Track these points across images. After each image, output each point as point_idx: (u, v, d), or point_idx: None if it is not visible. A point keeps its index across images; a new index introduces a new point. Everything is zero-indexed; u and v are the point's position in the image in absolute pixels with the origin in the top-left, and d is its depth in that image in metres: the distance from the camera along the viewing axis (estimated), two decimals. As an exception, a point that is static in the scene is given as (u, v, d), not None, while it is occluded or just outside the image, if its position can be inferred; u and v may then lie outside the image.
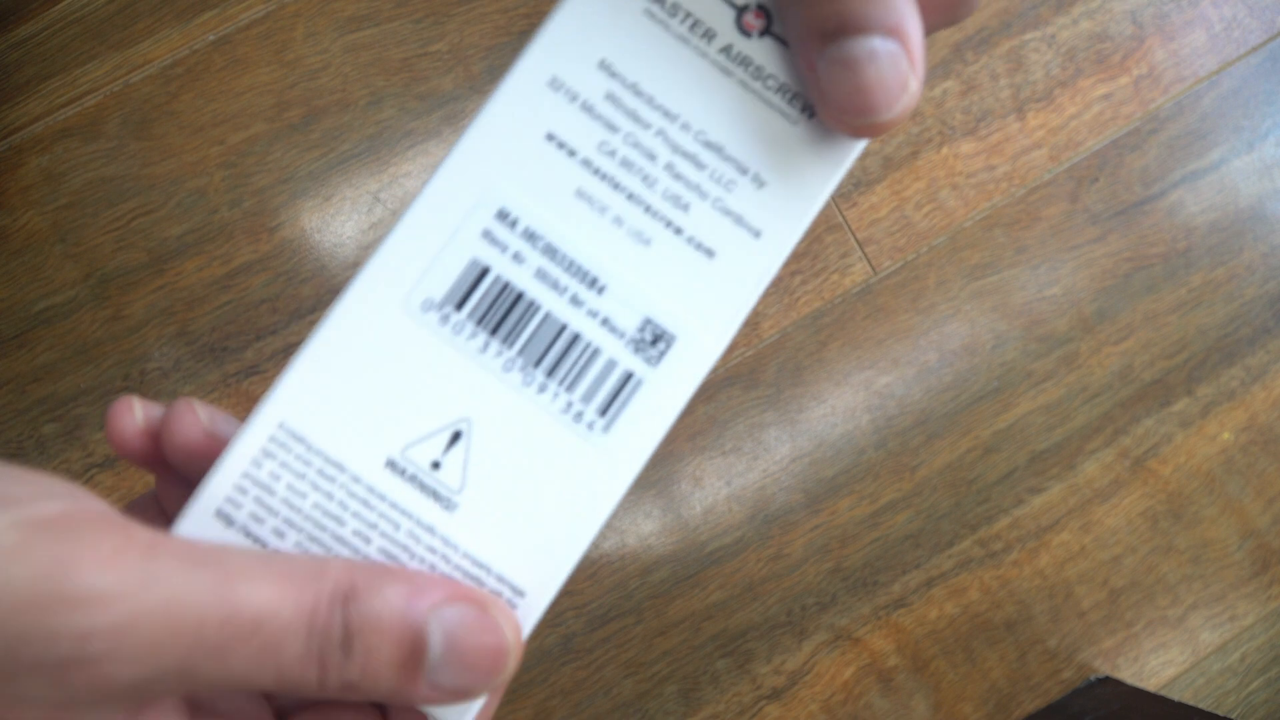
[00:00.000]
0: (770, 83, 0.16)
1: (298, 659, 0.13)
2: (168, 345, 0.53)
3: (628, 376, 0.16)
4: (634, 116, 0.16)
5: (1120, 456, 0.57)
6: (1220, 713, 0.55)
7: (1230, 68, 0.59)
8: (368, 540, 0.16)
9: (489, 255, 0.16)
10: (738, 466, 0.55)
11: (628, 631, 0.54)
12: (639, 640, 0.54)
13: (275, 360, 0.53)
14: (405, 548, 0.16)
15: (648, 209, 0.16)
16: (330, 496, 0.16)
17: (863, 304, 0.56)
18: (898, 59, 0.14)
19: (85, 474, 0.52)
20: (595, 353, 0.16)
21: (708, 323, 0.16)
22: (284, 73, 0.54)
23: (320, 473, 0.16)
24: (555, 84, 0.16)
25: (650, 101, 0.16)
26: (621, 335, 0.16)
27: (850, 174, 0.57)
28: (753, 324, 0.56)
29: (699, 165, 0.16)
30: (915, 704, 0.55)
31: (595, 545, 0.54)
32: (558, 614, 0.54)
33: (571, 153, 0.16)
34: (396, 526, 0.16)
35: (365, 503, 0.16)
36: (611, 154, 0.16)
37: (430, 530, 0.16)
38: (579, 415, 0.16)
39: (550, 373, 0.16)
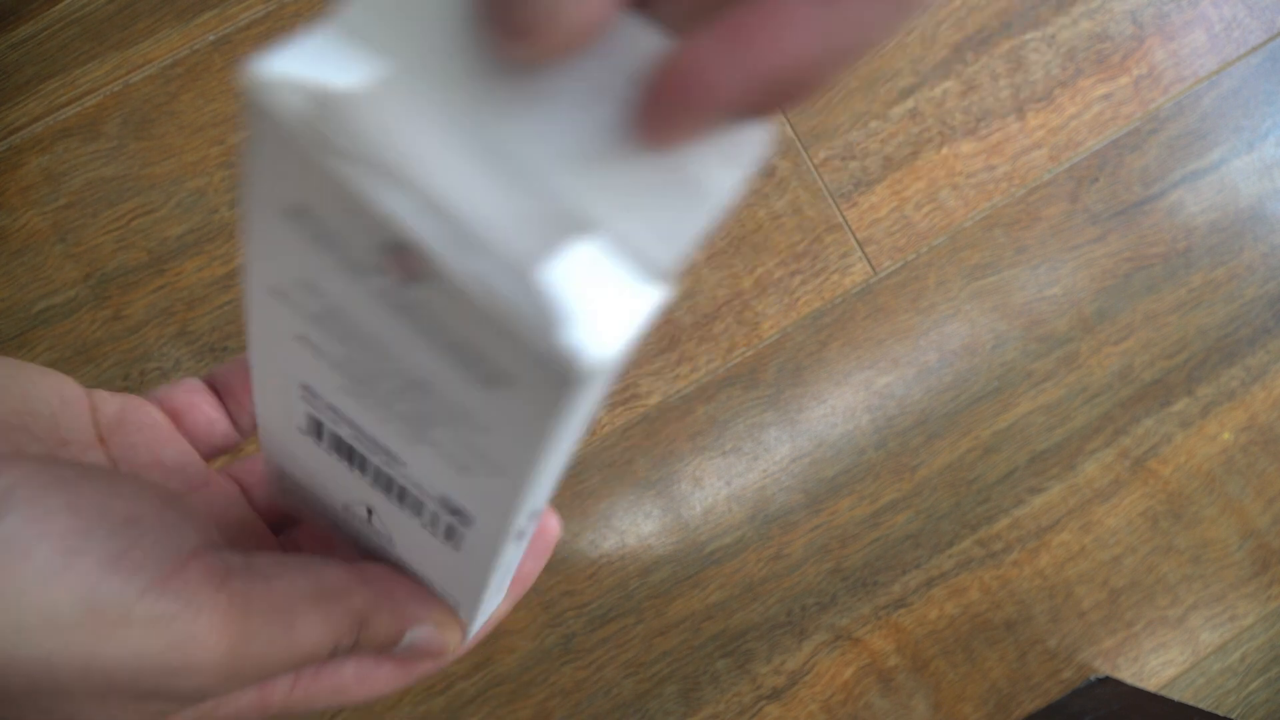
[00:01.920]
0: (451, 338, 0.12)
1: (321, 659, 0.17)
2: (168, 345, 0.53)
3: (450, 526, 0.16)
4: (363, 345, 0.14)
5: (1120, 456, 0.57)
6: (1220, 713, 0.55)
7: (1230, 68, 0.58)
8: (359, 524, 0.19)
9: (315, 412, 0.16)
10: (738, 466, 0.55)
11: (628, 631, 0.54)
12: (639, 640, 0.54)
13: (275, 360, 0.53)
14: (373, 538, 0.19)
15: (403, 419, 0.14)
16: (324, 489, 0.19)
17: (863, 304, 0.56)
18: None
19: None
20: (420, 503, 0.16)
21: (490, 512, 0.15)
22: (284, 73, 0.54)
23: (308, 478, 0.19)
24: (273, 291, 0.14)
25: (358, 335, 0.14)
26: (431, 498, 0.16)
27: (851, 174, 0.57)
28: (753, 324, 0.56)
29: (429, 397, 0.14)
30: (915, 704, 0.55)
31: (595, 545, 0.54)
32: (558, 614, 0.54)
33: (320, 355, 0.15)
34: (366, 528, 0.19)
35: (346, 512, 0.19)
36: (352, 369, 0.14)
37: (388, 543, 0.19)
38: (433, 531, 0.17)
39: (399, 500, 0.17)
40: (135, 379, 0.53)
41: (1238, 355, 0.58)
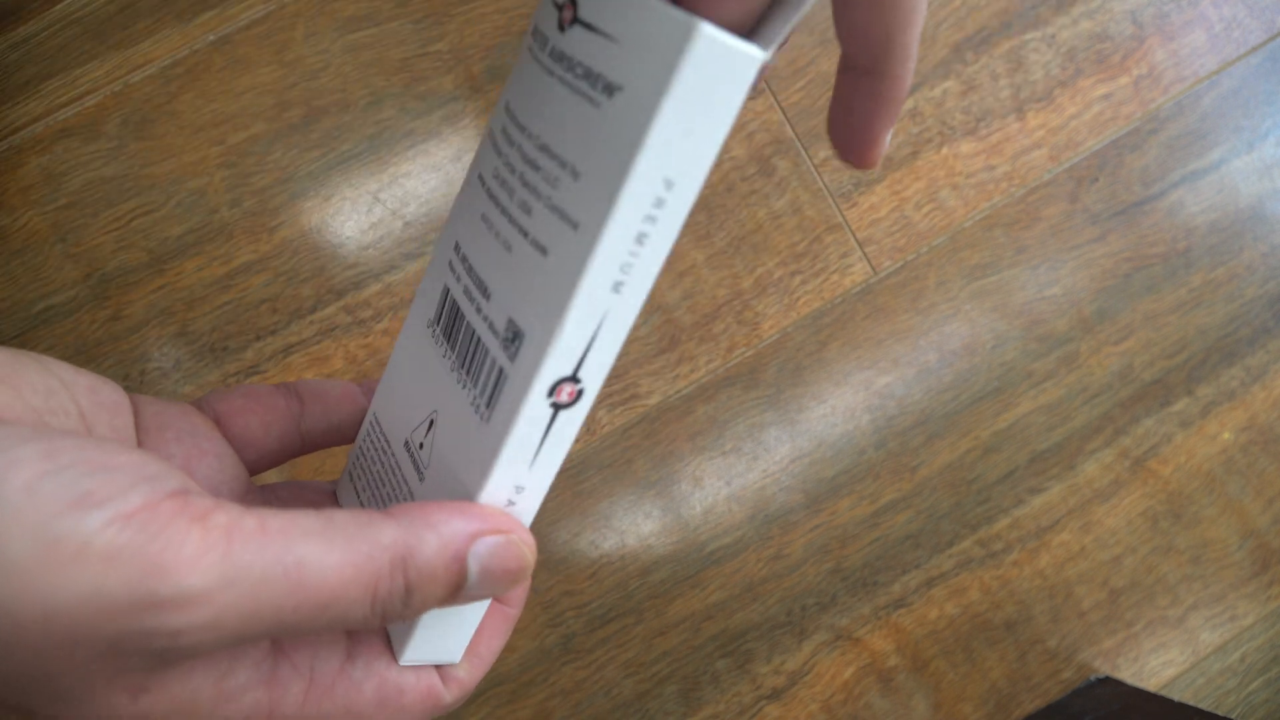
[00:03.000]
0: (578, 70, 0.16)
1: (363, 619, 0.15)
2: (168, 345, 0.53)
3: (500, 372, 0.17)
4: (509, 140, 0.18)
5: (1120, 456, 0.57)
6: (1220, 713, 0.55)
7: (1230, 68, 0.58)
8: (390, 496, 0.20)
9: (450, 280, 0.20)
10: (738, 466, 0.55)
11: (628, 631, 0.54)
12: (639, 640, 0.54)
13: (275, 360, 0.53)
14: (401, 499, 0.20)
15: (510, 219, 0.17)
16: (383, 461, 0.21)
17: (863, 304, 0.56)
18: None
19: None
20: (485, 352, 0.18)
21: (542, 317, 0.16)
22: (284, 73, 0.54)
23: (380, 448, 0.21)
24: (489, 131, 0.19)
25: (516, 122, 0.18)
26: (497, 335, 0.17)
27: (851, 174, 0.57)
28: (753, 324, 0.56)
29: (536, 169, 0.17)
30: (915, 704, 0.55)
31: (595, 545, 0.54)
32: (558, 614, 0.54)
33: (484, 184, 0.19)
34: (400, 485, 0.20)
35: (392, 468, 0.20)
36: (496, 177, 0.18)
37: (410, 495, 0.20)
38: (476, 406, 0.18)
39: (467, 371, 0.18)
40: (135, 379, 0.53)
41: (1238, 355, 0.58)
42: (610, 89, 0.15)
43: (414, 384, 0.20)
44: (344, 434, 0.23)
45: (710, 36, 0.14)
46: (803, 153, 0.56)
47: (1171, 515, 0.57)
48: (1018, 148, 0.57)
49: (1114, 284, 0.57)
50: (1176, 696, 0.56)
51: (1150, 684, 0.56)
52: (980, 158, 0.57)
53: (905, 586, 0.55)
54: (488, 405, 0.17)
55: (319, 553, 0.14)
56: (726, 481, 0.55)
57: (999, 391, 0.57)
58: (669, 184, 0.15)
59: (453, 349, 0.19)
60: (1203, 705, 0.56)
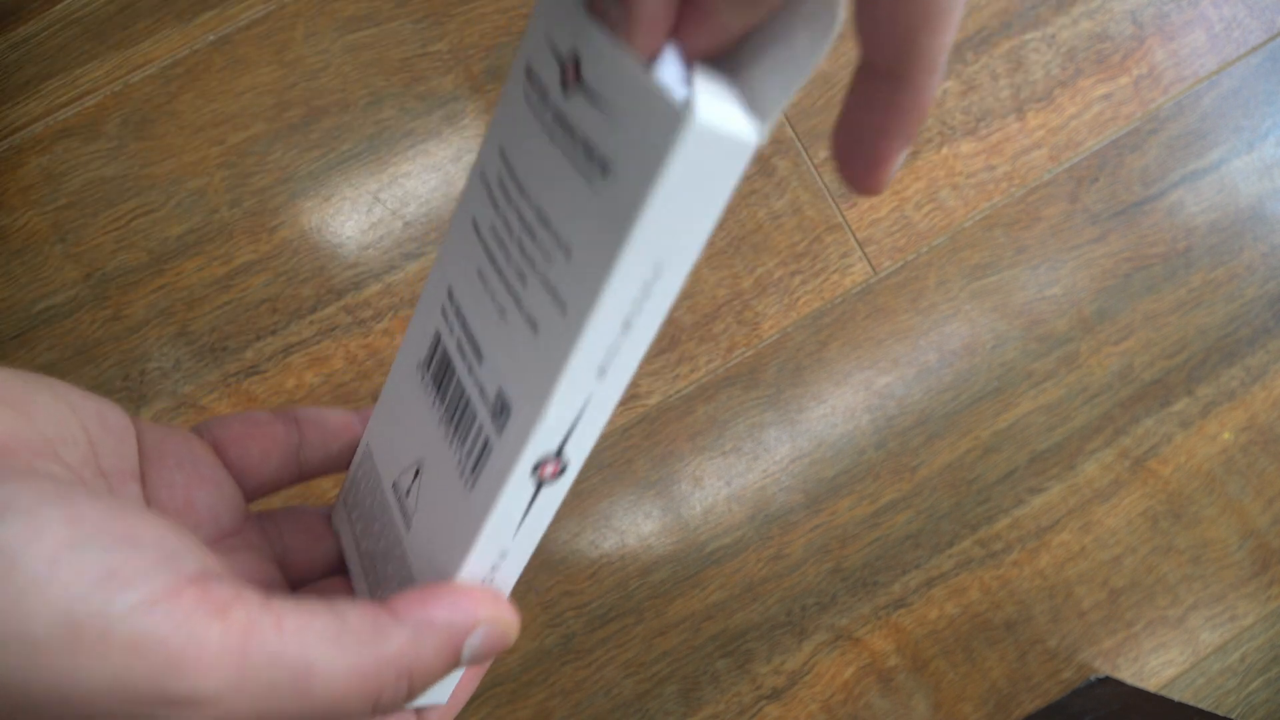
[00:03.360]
0: (577, 140, 0.15)
1: (360, 715, 0.15)
2: (168, 345, 0.53)
3: (486, 442, 0.17)
4: (507, 196, 0.17)
5: (1120, 456, 0.57)
6: (1220, 713, 0.55)
7: (1230, 68, 0.58)
8: (380, 535, 0.21)
9: (442, 327, 0.20)
10: (738, 466, 0.55)
11: (628, 631, 0.54)
12: (639, 640, 0.54)
13: (275, 360, 0.53)
14: (391, 545, 0.20)
15: (506, 284, 0.17)
16: (373, 497, 0.21)
17: (863, 304, 0.56)
18: None
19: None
20: (474, 416, 0.18)
21: (529, 396, 0.16)
22: (284, 73, 0.54)
23: (371, 482, 0.21)
24: (480, 173, 0.19)
25: (514, 176, 0.17)
26: (486, 403, 0.17)
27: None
28: (753, 324, 0.56)
29: (533, 238, 0.16)
30: (915, 704, 0.55)
31: (595, 545, 0.54)
32: (558, 614, 0.54)
33: (479, 234, 0.18)
34: (389, 527, 0.20)
35: (382, 507, 0.21)
36: (493, 232, 0.18)
37: (399, 541, 0.20)
38: (461, 470, 0.18)
39: (455, 428, 0.18)
40: (135, 379, 0.53)
41: (1238, 355, 0.58)
42: (605, 168, 0.15)
43: (404, 425, 0.21)
44: (341, 463, 0.23)
45: (703, 125, 0.13)
46: (803, 153, 0.56)
47: (1171, 515, 0.57)
48: (1018, 148, 0.57)
49: (1114, 284, 0.57)
50: (1176, 696, 0.56)
51: (1150, 684, 0.56)
52: (980, 158, 0.57)
53: (905, 586, 0.55)
54: (472, 472, 0.18)
55: (330, 657, 0.14)
56: (726, 481, 0.55)
57: (999, 391, 0.57)
58: (657, 270, 0.15)
59: (442, 400, 0.19)
60: (1203, 705, 0.56)
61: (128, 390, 0.53)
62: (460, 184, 0.55)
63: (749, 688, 0.54)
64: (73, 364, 0.53)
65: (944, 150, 0.57)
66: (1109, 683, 0.55)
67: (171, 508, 0.19)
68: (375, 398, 0.54)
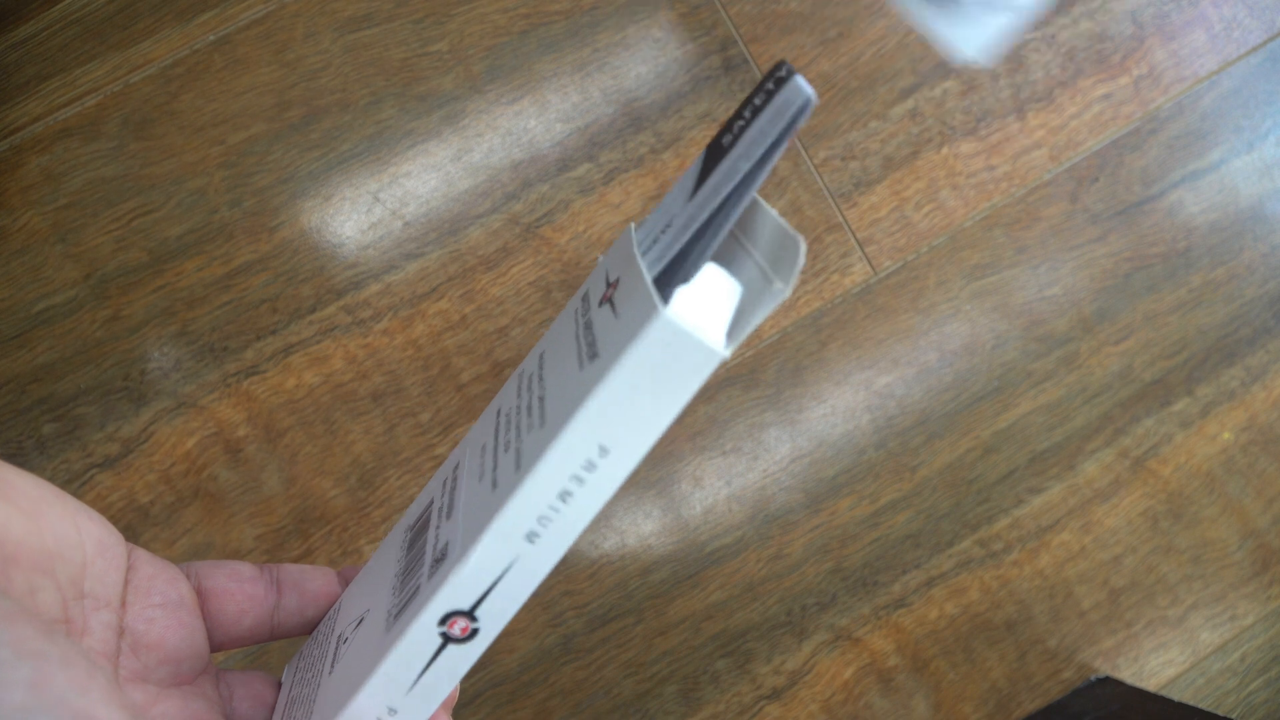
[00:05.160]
0: (589, 339, 0.16)
1: None
2: (168, 345, 0.53)
3: (417, 589, 0.17)
4: (529, 386, 0.19)
5: (1120, 456, 0.57)
6: (1220, 713, 0.55)
7: (1230, 68, 0.58)
8: (308, 682, 0.21)
9: (435, 495, 0.21)
10: (738, 466, 0.55)
11: (628, 631, 0.54)
12: (639, 640, 0.54)
13: (275, 360, 0.53)
14: (310, 692, 0.20)
15: (495, 454, 0.18)
16: (320, 648, 0.21)
17: (863, 304, 0.56)
18: None
19: (85, 474, 0.52)
20: (421, 566, 0.18)
21: (462, 546, 0.17)
22: (284, 73, 0.54)
23: (325, 634, 0.21)
24: (519, 371, 0.20)
25: (540, 372, 0.19)
26: (435, 553, 0.18)
27: (851, 174, 0.57)
28: (753, 324, 0.56)
29: (529, 414, 0.17)
30: (915, 704, 0.55)
31: (595, 545, 0.54)
32: (558, 614, 0.54)
33: (497, 418, 0.20)
34: (316, 677, 0.20)
35: (321, 657, 0.21)
36: (506, 415, 0.19)
37: (317, 687, 0.20)
38: (389, 614, 0.18)
39: (403, 578, 0.19)
40: (135, 379, 0.53)
41: (1238, 355, 0.58)
42: (594, 355, 0.16)
43: (370, 581, 0.21)
44: (314, 626, 0.24)
45: (670, 319, 0.14)
46: (803, 153, 0.56)
47: (1171, 515, 0.57)
48: (1018, 148, 0.57)
49: (1114, 284, 0.57)
50: (1176, 696, 0.56)
51: (1150, 684, 0.56)
52: (980, 158, 0.57)
53: (905, 586, 0.55)
54: (396, 617, 0.18)
55: None
56: (726, 481, 0.55)
57: (999, 391, 0.57)
58: (603, 450, 0.15)
59: (407, 554, 0.20)
60: (1203, 705, 0.56)
61: (128, 390, 0.53)
62: (460, 184, 0.55)
63: (749, 688, 0.54)
64: (73, 364, 0.53)
65: (944, 150, 0.57)
66: (1109, 683, 0.55)
67: (143, 642, 0.19)
68: (374, 397, 0.54)
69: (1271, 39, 0.59)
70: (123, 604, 0.19)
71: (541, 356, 0.19)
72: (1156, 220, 0.58)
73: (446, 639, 0.16)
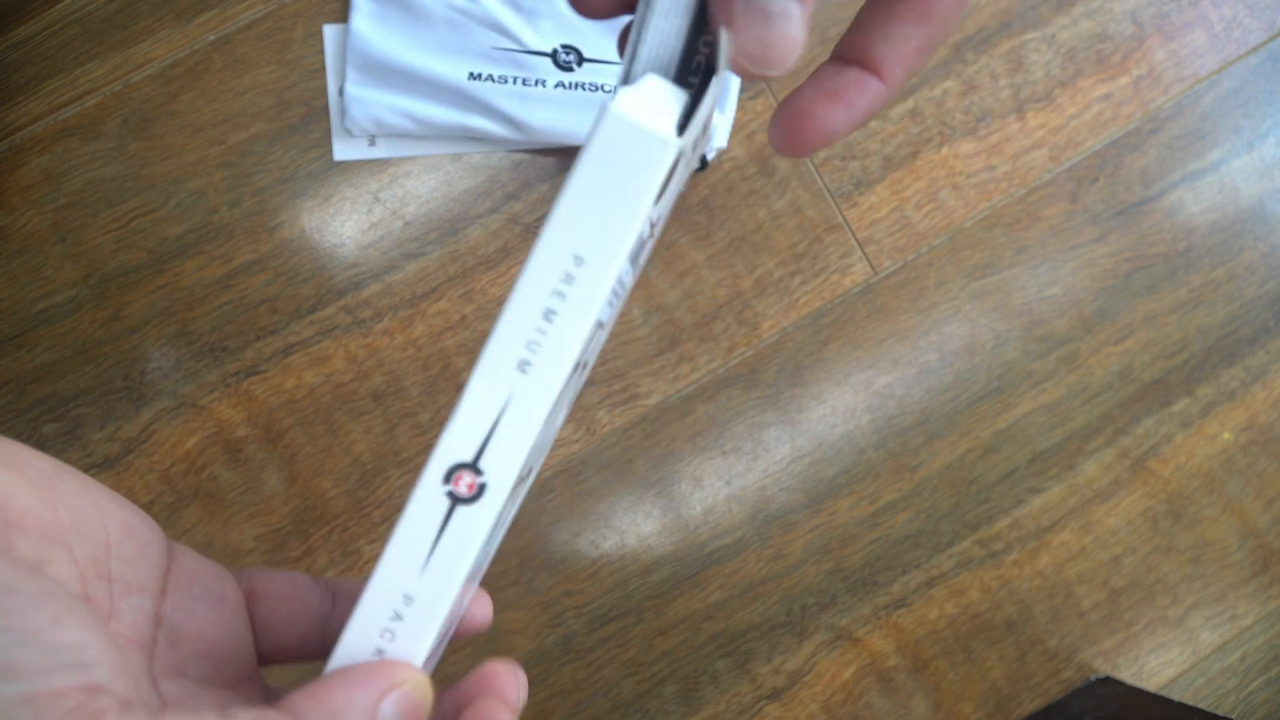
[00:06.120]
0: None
1: None
2: (168, 345, 0.53)
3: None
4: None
5: (1120, 456, 0.57)
6: (1220, 713, 0.55)
7: (1230, 68, 0.58)
8: None
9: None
10: (738, 466, 0.55)
11: (628, 631, 0.54)
12: (639, 640, 0.54)
13: (275, 360, 0.53)
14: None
15: None
16: None
17: (863, 304, 0.56)
18: (798, 23, 0.15)
19: (85, 473, 0.52)
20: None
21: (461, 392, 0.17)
22: (284, 73, 0.54)
23: None
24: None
25: None
26: None
27: (851, 174, 0.57)
28: (753, 324, 0.56)
29: None
30: (915, 704, 0.55)
31: (595, 545, 0.54)
32: (558, 614, 0.54)
33: None
34: None
35: None
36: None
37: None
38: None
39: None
40: (135, 379, 0.53)
41: (1238, 355, 0.58)
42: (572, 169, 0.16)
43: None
44: None
45: (617, 115, 0.14)
46: (803, 153, 0.56)
47: (1171, 515, 0.57)
48: (1018, 148, 0.57)
49: (1114, 284, 0.57)
50: (1176, 696, 0.56)
51: (1150, 684, 0.56)
52: (980, 158, 0.57)
53: (905, 586, 0.55)
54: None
55: None
56: (726, 481, 0.55)
57: (999, 391, 0.57)
58: (579, 260, 0.15)
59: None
60: (1203, 705, 0.56)
61: (127, 390, 0.53)
62: (460, 184, 0.55)
63: (749, 688, 0.54)
64: (73, 364, 0.53)
65: (944, 150, 0.57)
66: (1109, 683, 0.55)
67: (181, 633, 0.18)
68: (374, 397, 0.54)
69: (1271, 39, 0.59)
70: (162, 592, 0.18)
71: None
72: (1156, 220, 0.58)
73: (454, 499, 0.15)
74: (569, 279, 0.15)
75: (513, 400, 0.15)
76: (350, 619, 0.16)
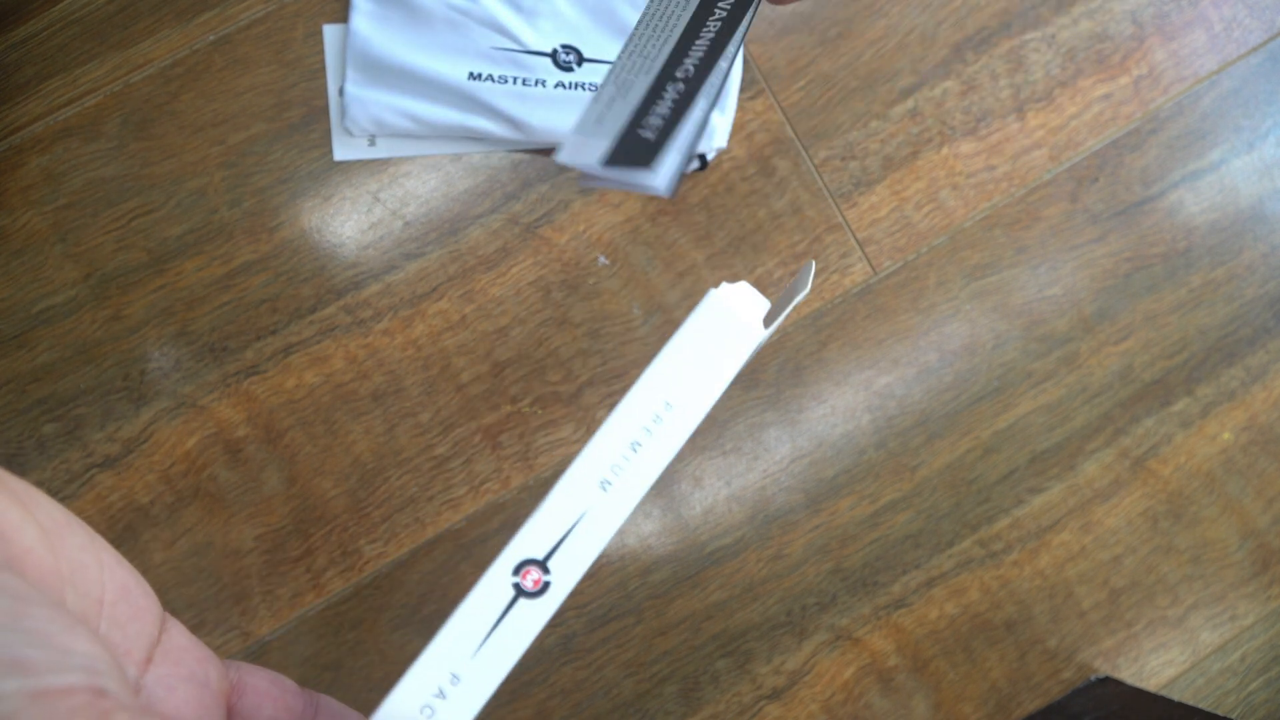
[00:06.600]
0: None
1: None
2: (168, 345, 0.53)
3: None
4: None
5: (1120, 456, 0.57)
6: (1220, 713, 0.55)
7: (1230, 68, 0.58)
8: None
9: None
10: (738, 466, 0.55)
11: (628, 631, 0.54)
12: (639, 640, 0.54)
13: (275, 360, 0.53)
14: None
15: None
16: None
17: (863, 304, 0.56)
18: None
19: (85, 474, 0.52)
20: None
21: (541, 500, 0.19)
22: (284, 73, 0.54)
23: None
24: None
25: None
26: None
27: (851, 174, 0.57)
28: (753, 324, 0.56)
29: None
30: (915, 704, 0.55)
31: (595, 545, 0.54)
32: (558, 614, 0.54)
33: None
34: None
35: None
36: None
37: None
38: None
39: None
40: (135, 379, 0.53)
41: (1238, 355, 0.58)
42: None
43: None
44: None
45: (716, 299, 0.18)
46: (803, 153, 0.56)
47: (1171, 515, 0.57)
48: (1018, 148, 0.57)
49: (1114, 284, 0.57)
50: (1176, 696, 0.56)
51: (1150, 684, 0.56)
52: (980, 158, 0.57)
53: (905, 586, 0.55)
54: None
55: None
56: (726, 481, 0.55)
57: (999, 391, 0.57)
58: (668, 405, 0.17)
59: None
60: (1203, 705, 0.56)
61: (127, 390, 0.53)
62: (460, 184, 0.55)
63: (749, 688, 0.54)
64: (73, 364, 0.53)
65: (944, 150, 0.57)
66: (1109, 683, 0.55)
67: (157, 708, 0.18)
68: (374, 397, 0.54)
69: (1271, 39, 0.59)
70: (146, 661, 0.18)
71: None
72: (1156, 220, 0.58)
73: (519, 591, 0.16)
74: (658, 419, 0.18)
75: (589, 513, 0.17)
76: (395, 688, 0.16)
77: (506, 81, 0.52)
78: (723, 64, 0.20)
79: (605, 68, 0.54)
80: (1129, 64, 0.58)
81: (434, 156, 0.55)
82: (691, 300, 0.55)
